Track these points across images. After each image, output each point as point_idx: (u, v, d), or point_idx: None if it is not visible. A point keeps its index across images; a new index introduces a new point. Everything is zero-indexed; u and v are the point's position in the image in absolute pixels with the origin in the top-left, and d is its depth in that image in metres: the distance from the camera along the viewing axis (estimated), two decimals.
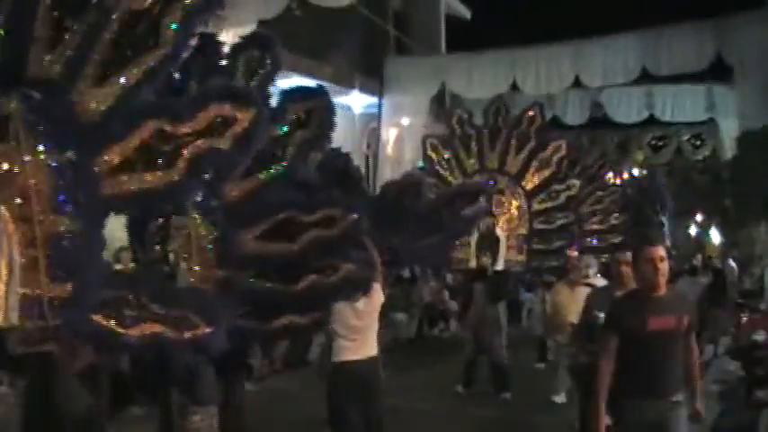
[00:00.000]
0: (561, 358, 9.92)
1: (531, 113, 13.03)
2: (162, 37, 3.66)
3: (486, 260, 11.60)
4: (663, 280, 4.98)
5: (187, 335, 3.84)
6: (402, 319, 14.81)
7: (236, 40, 5.09)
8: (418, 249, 8.67)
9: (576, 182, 12.97)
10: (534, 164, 12.65)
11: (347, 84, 17.84)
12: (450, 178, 13.11)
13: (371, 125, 19.45)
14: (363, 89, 18.51)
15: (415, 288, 15.93)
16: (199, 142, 3.71)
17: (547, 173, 12.64)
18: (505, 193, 12.70)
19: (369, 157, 18.62)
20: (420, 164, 13.83)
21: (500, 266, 11.94)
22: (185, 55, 4.08)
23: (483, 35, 19.50)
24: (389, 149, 19.24)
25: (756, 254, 16.32)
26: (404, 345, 14.03)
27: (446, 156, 13.20)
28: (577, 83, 17.15)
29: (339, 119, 5.44)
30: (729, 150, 16.87)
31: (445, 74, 18.36)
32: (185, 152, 3.70)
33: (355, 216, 5.17)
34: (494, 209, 12.36)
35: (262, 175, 4.88)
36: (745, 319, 13.83)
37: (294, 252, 4.94)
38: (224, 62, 4.96)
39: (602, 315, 5.81)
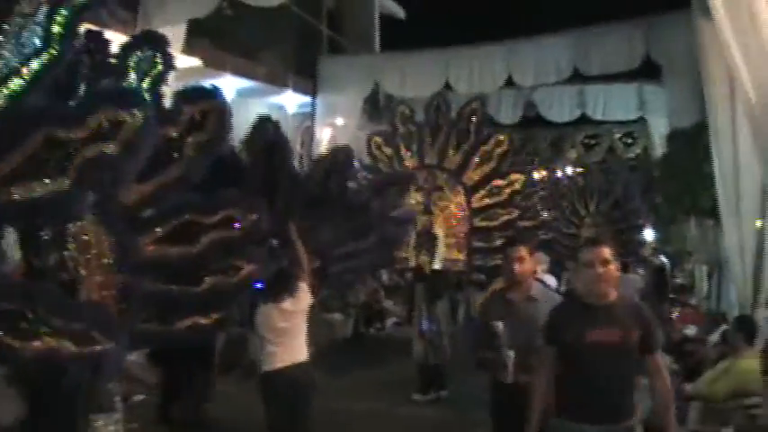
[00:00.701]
0: None
1: (471, 108, 12.62)
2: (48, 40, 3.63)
3: (423, 259, 11.52)
4: (605, 287, 4.58)
5: (86, 350, 3.79)
6: (338, 319, 14.79)
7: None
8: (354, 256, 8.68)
9: (520, 176, 12.46)
10: (475, 159, 12.28)
11: (280, 83, 17.77)
12: None
13: (305, 124, 19.37)
14: (297, 89, 18.43)
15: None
16: (88, 149, 3.66)
17: (488, 168, 12.26)
18: (444, 189, 12.36)
19: (303, 156, 18.51)
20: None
21: (438, 265, 11.76)
22: (71, 55, 4.01)
23: (417, 35, 19.44)
24: (323, 149, 19.19)
25: (687, 250, 16.59)
26: (340, 345, 14.02)
27: (388, 153, 12.88)
28: (510, 82, 17.27)
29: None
30: (660, 148, 17.12)
31: (379, 73, 18.31)
32: (74, 160, 3.65)
33: (255, 216, 5.13)
34: (432, 206, 12.18)
35: (158, 179, 4.75)
36: (676, 313, 14.11)
37: (194, 255, 4.89)
38: (113, 61, 4.85)
39: (499, 324, 5.43)
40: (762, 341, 7.71)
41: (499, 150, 12.25)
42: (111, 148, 3.71)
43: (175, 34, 10.69)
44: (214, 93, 5.16)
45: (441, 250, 11.96)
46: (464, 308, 12.75)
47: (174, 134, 4.82)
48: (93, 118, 3.69)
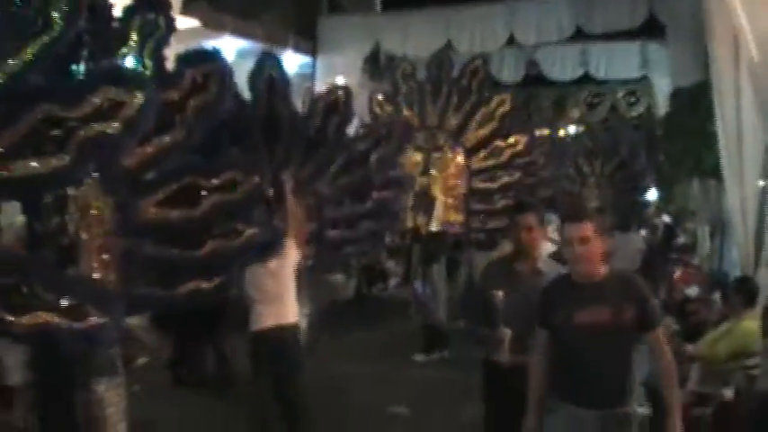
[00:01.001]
0: None
1: (473, 66, 12.42)
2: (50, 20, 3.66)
3: (421, 220, 11.39)
4: (587, 266, 4.28)
5: (79, 324, 3.81)
6: (340, 281, 14.77)
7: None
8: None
9: (522, 137, 12.19)
10: (476, 119, 12.09)
11: (280, 44, 17.61)
12: None
13: (306, 85, 19.23)
14: (297, 49, 18.30)
15: None
16: (88, 127, 3.68)
17: (489, 129, 12.05)
18: (444, 150, 12.19)
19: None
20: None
21: (435, 227, 11.63)
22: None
23: None
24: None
25: (689, 210, 16.57)
26: (342, 306, 14.03)
27: (389, 111, 12.63)
28: (512, 41, 17.15)
29: None
30: (663, 107, 17.05)
31: (379, 33, 18.20)
32: (75, 137, 3.67)
33: (257, 178, 5.14)
34: (431, 167, 12.03)
35: (160, 141, 4.77)
36: (678, 273, 14.08)
37: (196, 218, 4.92)
38: (116, 25, 4.84)
39: (499, 294, 5.05)
40: (763, 302, 7.70)
41: (501, 111, 12.04)
42: (111, 128, 3.74)
43: None
44: (215, 55, 5.18)
45: (438, 212, 11.80)
46: (466, 270, 12.57)
47: (176, 97, 4.83)
48: (92, 98, 3.72)
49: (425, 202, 11.68)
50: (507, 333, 5.01)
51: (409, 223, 11.55)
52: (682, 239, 18.73)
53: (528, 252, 5.14)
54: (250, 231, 5.19)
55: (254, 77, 7.71)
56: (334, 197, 8.29)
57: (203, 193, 4.90)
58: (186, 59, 5.00)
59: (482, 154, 12.03)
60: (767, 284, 8.36)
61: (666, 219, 23.36)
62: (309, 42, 18.80)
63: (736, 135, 8.08)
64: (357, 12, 20.92)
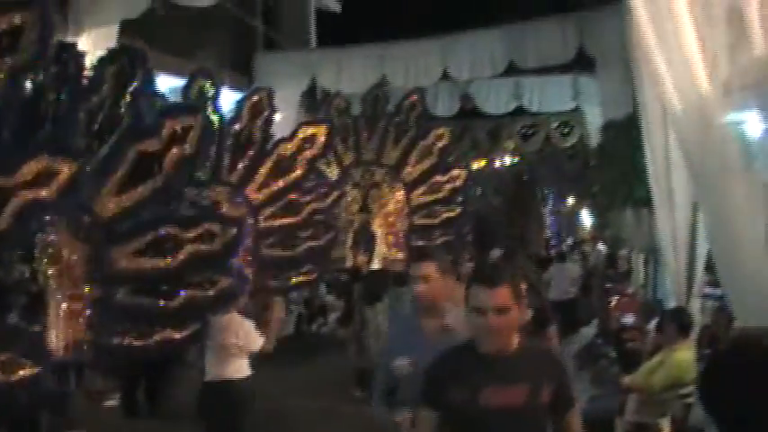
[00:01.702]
0: None
1: (411, 100, 12.40)
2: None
3: (361, 259, 11.33)
4: (501, 340, 3.56)
5: (14, 377, 3.81)
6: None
7: (98, 40, 5.06)
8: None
9: (462, 172, 12.22)
10: (414, 154, 12.03)
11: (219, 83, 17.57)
12: (327, 171, 12.21)
13: None
14: (233, 86, 18.24)
15: None
16: (23, 193, 3.73)
17: (428, 164, 12.01)
18: (382, 186, 12.06)
19: None
20: None
21: (377, 265, 11.47)
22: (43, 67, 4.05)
23: (353, 29, 19.41)
24: None
25: (624, 238, 16.84)
26: (282, 342, 13.93)
27: None
28: (446, 76, 17.34)
29: None
30: (595, 138, 17.35)
31: (315, 68, 18.23)
32: (10, 203, 3.72)
33: (235, 231, 5.18)
34: (370, 204, 11.90)
35: (138, 191, 4.79)
36: (614, 302, 14.32)
37: (171, 268, 4.91)
38: (88, 73, 4.86)
39: (405, 363, 4.23)
40: (696, 331, 7.88)
41: (440, 145, 12.03)
42: (46, 194, 3.80)
43: (108, 34, 10.58)
44: (196, 109, 5.29)
45: (379, 249, 11.63)
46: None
47: (155, 148, 4.86)
48: (28, 166, 3.80)
49: (366, 240, 11.61)
50: (406, 418, 4.08)
51: (348, 262, 11.48)
52: (618, 268, 19.08)
53: (430, 307, 4.41)
54: (225, 281, 5.18)
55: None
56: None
57: (180, 243, 4.90)
58: (167, 111, 5.11)
59: (422, 189, 11.95)
60: (700, 314, 8.58)
61: (601, 247, 23.83)
62: (245, 78, 18.78)
63: (664, 168, 8.26)
64: (293, 48, 20.99)
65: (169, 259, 4.87)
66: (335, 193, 10.72)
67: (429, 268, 4.41)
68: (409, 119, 12.20)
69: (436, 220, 11.82)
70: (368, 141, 12.23)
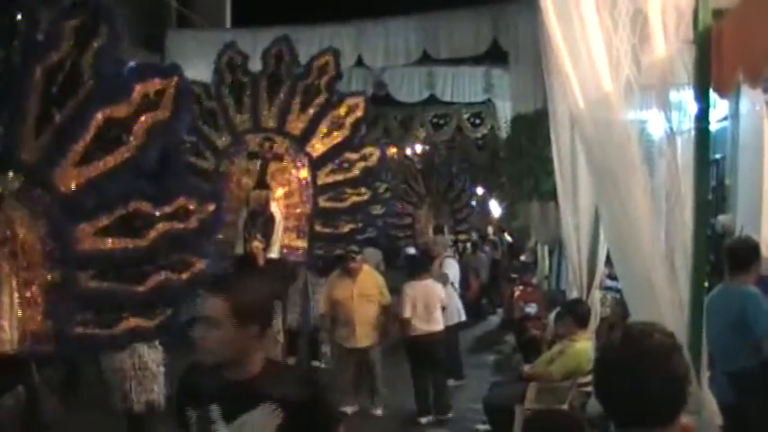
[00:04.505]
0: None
1: (323, 60, 10.39)
2: None
3: (257, 245, 9.49)
4: (212, 359, 3.09)
5: None
6: None
7: None
8: None
9: (375, 150, 10.57)
10: (323, 125, 10.15)
11: (126, 57, 17.24)
12: (213, 137, 10.43)
13: None
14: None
15: None
16: None
17: (339, 137, 10.17)
18: (285, 159, 10.14)
19: None
20: None
21: (275, 254, 9.75)
22: None
23: (269, 12, 19.25)
24: None
25: (530, 229, 17.15)
26: None
27: (210, 107, 10.44)
28: (360, 63, 17.36)
29: None
30: (505, 130, 17.61)
31: None
32: None
33: (213, 206, 4.76)
34: (268, 179, 9.99)
35: (104, 162, 4.37)
36: (518, 292, 14.59)
37: (142, 249, 4.48)
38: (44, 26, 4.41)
39: None
40: (595, 322, 8.08)
41: (353, 117, 10.19)
42: None
43: None
44: (171, 70, 4.80)
45: (278, 235, 9.78)
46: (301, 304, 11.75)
47: (123, 114, 4.44)
48: None
49: (263, 222, 9.67)
50: None
51: (239, 248, 9.68)
52: (523, 258, 19.42)
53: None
54: (200, 264, 4.71)
55: None
56: None
57: (151, 221, 4.47)
58: (138, 73, 4.62)
59: (330, 167, 10.23)
60: (600, 306, 8.79)
61: (508, 237, 24.25)
62: (157, 56, 18.47)
63: (571, 162, 8.40)
64: (206, 26, 20.72)
65: (139, 239, 4.43)
66: None
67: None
68: (320, 83, 10.21)
69: (343, 204, 10.22)
70: (268, 105, 10.27)
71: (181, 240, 4.60)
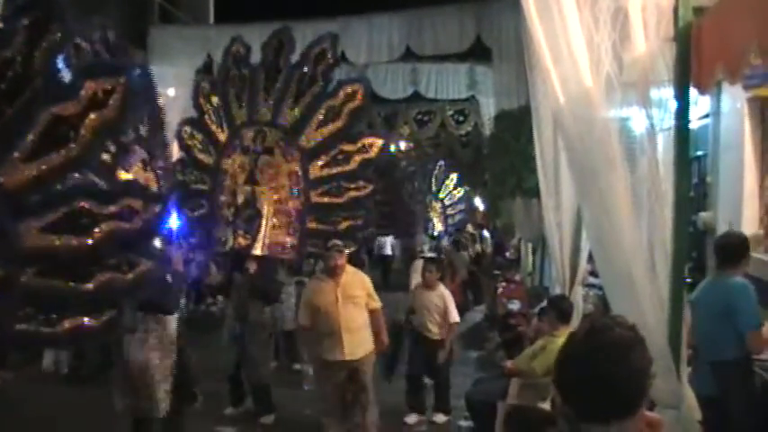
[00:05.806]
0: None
1: (320, 48, 9.93)
2: None
3: (243, 242, 9.46)
4: None
5: None
6: None
7: None
8: None
9: (376, 140, 9.93)
10: (318, 115, 9.65)
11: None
12: (217, 132, 10.31)
13: None
14: None
15: None
16: None
17: (334, 128, 9.61)
18: (275, 152, 9.79)
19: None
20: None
21: (259, 251, 9.63)
22: None
23: (252, 7, 19.21)
24: None
25: (514, 226, 17.22)
26: None
27: (215, 103, 10.29)
28: (344, 58, 17.34)
29: None
30: (488, 128, 17.64)
31: (211, 45, 17.98)
32: None
33: (158, 207, 4.81)
34: (257, 174, 9.82)
35: (50, 159, 4.33)
36: (501, 288, 14.63)
37: (86, 247, 4.45)
38: None
39: None
40: (578, 318, 8.10)
41: (351, 106, 9.60)
42: None
43: None
44: (121, 69, 4.70)
45: (266, 231, 9.63)
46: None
47: (70, 112, 4.36)
48: None
49: (250, 218, 9.60)
50: None
51: (228, 244, 9.69)
52: (508, 254, 19.50)
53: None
54: (145, 264, 4.76)
55: None
56: None
57: (96, 220, 4.45)
58: (86, 71, 4.57)
59: (323, 159, 9.73)
60: (582, 302, 8.84)
61: (486, 234, 24.34)
62: (140, 52, 18.41)
63: (553, 161, 8.44)
64: (189, 23, 20.68)
65: (84, 237, 4.40)
66: None
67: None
68: (316, 72, 9.74)
69: (340, 200, 9.68)
70: (264, 98, 9.93)
71: (126, 240, 4.62)
